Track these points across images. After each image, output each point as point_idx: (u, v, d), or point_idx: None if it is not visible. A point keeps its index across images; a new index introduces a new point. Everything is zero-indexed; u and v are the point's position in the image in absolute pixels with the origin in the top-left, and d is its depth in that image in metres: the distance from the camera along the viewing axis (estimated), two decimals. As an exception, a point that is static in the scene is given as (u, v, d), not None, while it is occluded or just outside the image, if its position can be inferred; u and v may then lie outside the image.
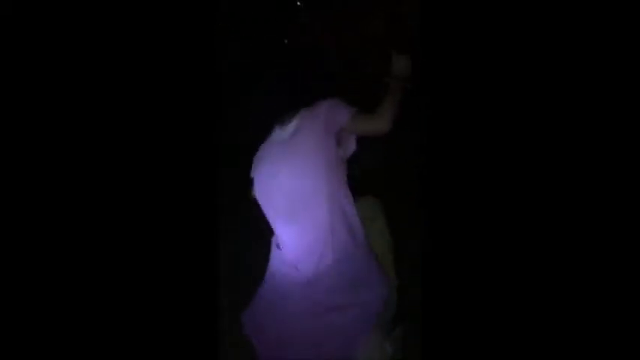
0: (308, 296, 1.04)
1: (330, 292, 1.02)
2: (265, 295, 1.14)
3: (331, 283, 1.03)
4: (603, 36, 0.61)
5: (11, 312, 0.64)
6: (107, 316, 0.67)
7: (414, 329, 1.43)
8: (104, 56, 0.68)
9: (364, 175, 1.54)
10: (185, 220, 0.72)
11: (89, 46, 0.68)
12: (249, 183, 1.25)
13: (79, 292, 0.66)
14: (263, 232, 2.09)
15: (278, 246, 1.15)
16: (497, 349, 0.65)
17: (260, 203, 1.15)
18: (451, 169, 0.70)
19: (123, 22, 0.69)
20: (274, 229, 1.15)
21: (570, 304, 0.62)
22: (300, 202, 1.02)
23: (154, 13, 0.70)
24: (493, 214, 0.67)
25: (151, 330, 0.69)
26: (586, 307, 0.61)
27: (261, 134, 1.28)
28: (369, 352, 0.99)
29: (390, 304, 1.09)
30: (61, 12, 0.66)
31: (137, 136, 0.70)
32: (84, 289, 0.67)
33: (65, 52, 0.67)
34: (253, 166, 1.17)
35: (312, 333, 1.01)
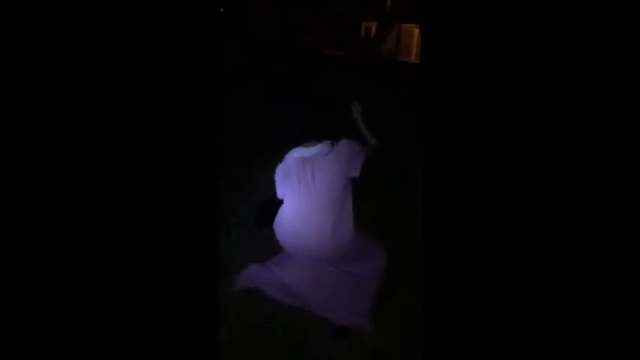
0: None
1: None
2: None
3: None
4: (595, 33, 0.61)
5: (11, 311, 0.64)
6: (107, 316, 0.67)
7: (414, 330, 1.43)
8: (104, 56, 0.68)
9: (364, 176, 1.59)
10: (185, 220, 0.73)
11: (89, 46, 0.68)
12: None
13: (78, 290, 0.67)
14: (262, 231, 2.09)
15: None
16: (497, 348, 0.65)
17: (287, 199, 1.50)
18: (450, 169, 0.70)
19: (123, 22, 0.69)
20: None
21: (569, 302, 0.62)
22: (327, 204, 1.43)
23: (154, 13, 0.70)
24: (492, 214, 0.67)
25: (150, 329, 0.69)
26: (582, 306, 0.61)
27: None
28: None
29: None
30: (61, 12, 0.66)
31: (137, 136, 0.70)
32: (83, 288, 0.67)
33: (65, 52, 0.67)
34: (283, 172, 1.51)
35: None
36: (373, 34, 8.45)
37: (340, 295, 1.42)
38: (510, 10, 0.65)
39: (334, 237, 1.40)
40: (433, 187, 0.73)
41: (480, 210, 0.68)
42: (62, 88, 0.67)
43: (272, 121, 3.02)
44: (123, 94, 0.69)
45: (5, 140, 0.65)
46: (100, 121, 0.68)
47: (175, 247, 0.72)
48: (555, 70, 0.63)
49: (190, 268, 0.73)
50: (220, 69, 0.86)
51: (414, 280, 1.68)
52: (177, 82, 0.72)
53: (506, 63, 0.66)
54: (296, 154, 1.50)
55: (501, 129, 0.66)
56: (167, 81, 0.72)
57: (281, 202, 1.53)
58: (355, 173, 1.46)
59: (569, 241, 0.62)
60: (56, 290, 0.66)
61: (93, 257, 0.67)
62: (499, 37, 0.66)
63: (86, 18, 0.67)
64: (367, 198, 1.56)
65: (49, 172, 0.66)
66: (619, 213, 0.60)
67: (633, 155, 0.60)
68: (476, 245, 0.67)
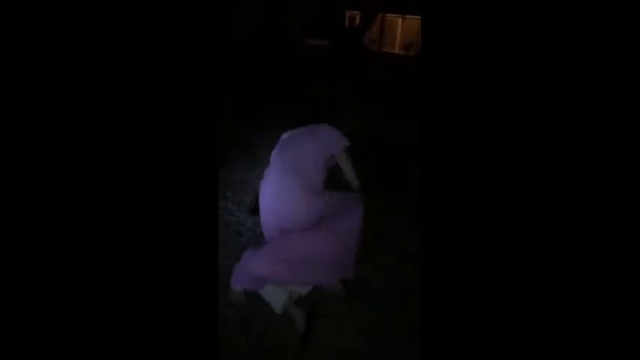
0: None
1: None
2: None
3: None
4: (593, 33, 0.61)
5: (11, 312, 0.64)
6: (107, 316, 0.68)
7: (414, 330, 1.44)
8: (104, 56, 0.68)
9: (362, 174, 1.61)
10: (185, 220, 0.73)
11: (89, 46, 0.67)
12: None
13: (75, 288, 0.67)
14: (261, 233, 2.09)
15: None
16: (497, 349, 0.66)
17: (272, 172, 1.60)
18: (449, 169, 0.71)
19: (123, 22, 0.69)
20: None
21: (569, 302, 0.63)
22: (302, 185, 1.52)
23: (153, 13, 0.70)
24: (491, 213, 0.67)
25: (150, 328, 0.70)
26: (580, 304, 0.62)
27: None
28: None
29: None
30: (60, 12, 0.66)
31: (137, 136, 0.70)
32: (80, 287, 0.67)
33: (65, 52, 0.67)
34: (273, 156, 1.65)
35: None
36: (357, 24, 8.30)
37: (326, 259, 1.43)
38: (510, 6, 0.66)
39: (307, 210, 1.48)
40: (433, 186, 0.73)
41: (479, 209, 0.68)
42: (61, 88, 0.67)
43: (271, 121, 3.03)
44: (122, 95, 0.69)
45: (5, 140, 0.65)
46: (98, 121, 0.68)
47: (174, 247, 0.72)
48: (555, 70, 0.64)
49: (189, 268, 0.73)
50: (220, 70, 0.86)
51: (413, 279, 1.69)
52: (176, 82, 0.72)
53: (507, 61, 0.66)
54: (285, 136, 1.70)
55: (501, 127, 0.67)
56: (167, 81, 0.72)
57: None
58: (335, 152, 1.59)
59: (568, 238, 0.63)
60: (54, 290, 0.66)
61: (89, 255, 0.67)
62: (502, 35, 0.66)
63: (85, 18, 0.67)
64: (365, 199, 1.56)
65: (47, 172, 0.66)
66: (619, 213, 0.60)
67: (633, 155, 0.60)
68: (476, 245, 0.68)
